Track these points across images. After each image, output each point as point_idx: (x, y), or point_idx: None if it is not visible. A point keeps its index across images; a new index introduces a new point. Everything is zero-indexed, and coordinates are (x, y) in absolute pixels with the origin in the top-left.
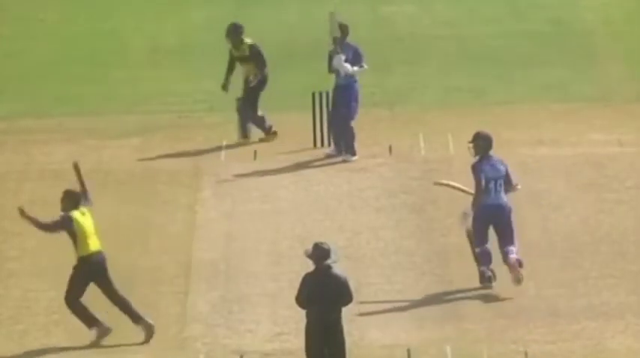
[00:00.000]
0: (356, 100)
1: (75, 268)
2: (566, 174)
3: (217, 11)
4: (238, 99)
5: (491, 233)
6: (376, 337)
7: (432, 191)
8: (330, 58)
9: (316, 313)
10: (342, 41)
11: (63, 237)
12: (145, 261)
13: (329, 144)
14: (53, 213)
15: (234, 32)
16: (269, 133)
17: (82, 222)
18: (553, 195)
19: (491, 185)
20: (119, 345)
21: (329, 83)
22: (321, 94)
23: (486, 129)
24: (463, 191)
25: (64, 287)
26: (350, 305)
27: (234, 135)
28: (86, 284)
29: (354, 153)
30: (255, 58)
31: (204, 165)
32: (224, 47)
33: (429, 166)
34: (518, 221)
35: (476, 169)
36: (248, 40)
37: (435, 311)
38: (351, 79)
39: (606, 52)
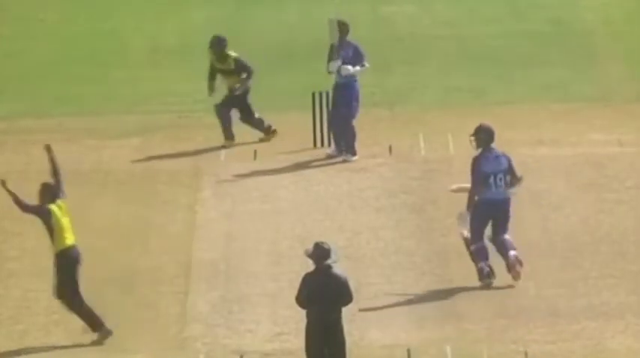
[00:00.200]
0: (357, 100)
1: (55, 263)
2: (566, 174)
3: (217, 11)
4: (216, 106)
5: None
6: (376, 337)
7: (432, 191)
8: (330, 57)
9: (316, 313)
10: (342, 39)
11: None
12: (145, 261)
13: (329, 144)
14: None
15: (218, 45)
16: (269, 133)
17: (60, 216)
18: (553, 195)
19: (491, 180)
20: (119, 345)
21: (329, 83)
22: (321, 94)
23: (487, 123)
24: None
25: None
26: (350, 305)
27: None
28: (75, 276)
29: (354, 153)
30: (241, 70)
31: (204, 165)
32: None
33: (429, 166)
34: (518, 221)
35: (475, 164)
36: (232, 54)
37: (435, 311)
38: (351, 78)
39: (606, 52)
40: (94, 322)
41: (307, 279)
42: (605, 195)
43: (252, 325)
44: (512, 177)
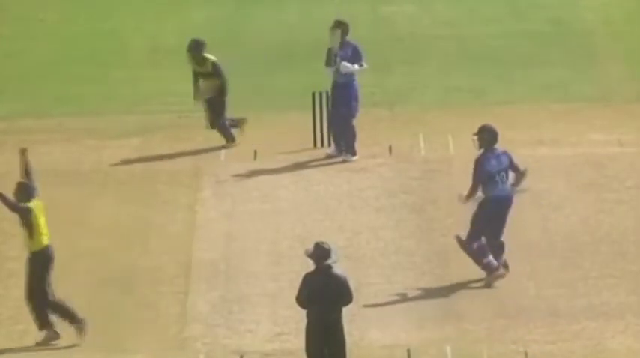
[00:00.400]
0: (356, 99)
1: (31, 263)
2: (566, 174)
3: (217, 11)
4: (211, 122)
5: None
6: (376, 337)
7: (432, 191)
8: (329, 52)
9: (316, 313)
10: (342, 39)
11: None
12: (145, 261)
13: (329, 144)
14: (53, 213)
15: (196, 48)
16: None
17: (38, 214)
18: (553, 195)
19: (497, 177)
20: (119, 345)
21: (329, 83)
22: (321, 94)
23: (491, 123)
24: None
25: (64, 287)
26: (350, 305)
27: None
28: (49, 276)
29: (354, 153)
30: (217, 75)
31: (204, 165)
32: (224, 47)
33: (429, 166)
34: (519, 221)
35: (478, 164)
36: (210, 57)
37: (435, 311)
38: (350, 77)
39: (606, 52)
40: (44, 321)
41: (307, 279)
42: (605, 195)
43: (252, 325)
44: (516, 173)
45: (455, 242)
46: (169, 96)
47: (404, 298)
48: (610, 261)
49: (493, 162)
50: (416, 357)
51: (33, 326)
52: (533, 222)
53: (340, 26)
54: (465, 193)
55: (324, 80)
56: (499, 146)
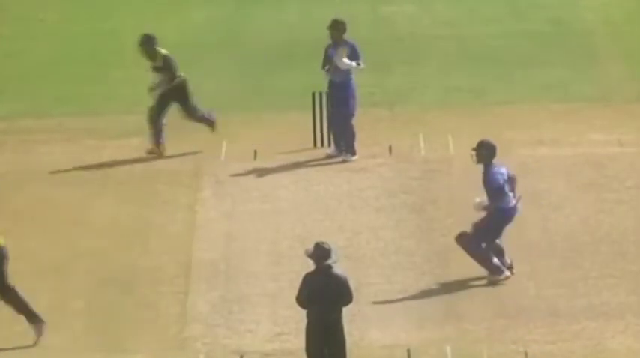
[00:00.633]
0: (354, 97)
1: None
2: (566, 174)
3: (217, 11)
4: (184, 115)
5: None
6: (376, 337)
7: (432, 191)
8: (326, 54)
9: (316, 313)
10: (338, 39)
11: (63, 237)
12: (145, 261)
13: (329, 144)
14: (53, 213)
15: (148, 43)
16: (157, 146)
17: None
18: (553, 195)
19: (506, 188)
20: (119, 345)
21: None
22: (321, 94)
23: (489, 137)
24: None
25: (64, 288)
26: (350, 305)
27: (234, 135)
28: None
29: (353, 153)
30: (166, 69)
31: (204, 165)
32: (224, 47)
33: (429, 166)
34: (519, 221)
35: (488, 177)
36: (162, 51)
37: (435, 311)
38: (347, 76)
39: (606, 52)
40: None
41: (307, 279)
42: (605, 195)
43: (252, 325)
44: (513, 181)
45: (453, 242)
46: None
47: (404, 298)
48: (610, 261)
49: (499, 174)
50: (416, 357)
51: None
52: (533, 222)
53: (337, 25)
54: (484, 204)
55: (324, 80)
56: (499, 148)
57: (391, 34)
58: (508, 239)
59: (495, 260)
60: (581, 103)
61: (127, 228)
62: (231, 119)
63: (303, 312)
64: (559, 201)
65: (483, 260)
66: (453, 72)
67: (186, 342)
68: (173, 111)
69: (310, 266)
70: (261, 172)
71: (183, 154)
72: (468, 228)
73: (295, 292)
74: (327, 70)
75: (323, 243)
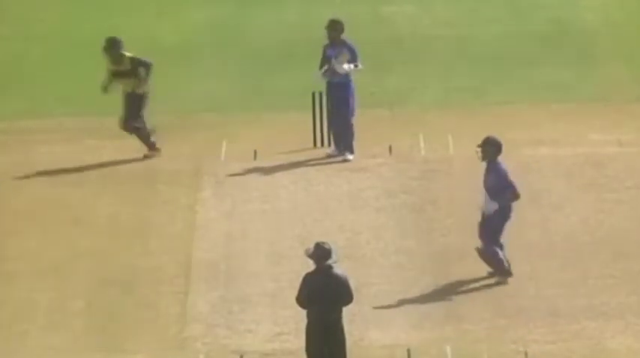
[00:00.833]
0: (353, 96)
1: None
2: (566, 174)
3: (217, 11)
4: (124, 123)
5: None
6: (376, 337)
7: (432, 191)
8: (324, 54)
9: (316, 313)
10: (336, 39)
11: (63, 237)
12: (145, 261)
13: (329, 144)
14: (53, 213)
15: (114, 47)
16: (153, 149)
17: None
18: (553, 195)
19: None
20: (119, 345)
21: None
22: (321, 94)
23: (495, 135)
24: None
25: (64, 288)
26: (350, 305)
27: (234, 135)
28: None
29: (352, 152)
30: (138, 67)
31: (204, 165)
32: (224, 47)
33: (429, 166)
34: (519, 221)
35: (505, 173)
36: (127, 54)
37: (435, 311)
38: (346, 76)
39: (606, 52)
40: None
41: (308, 279)
42: (605, 195)
43: (252, 325)
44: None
45: (455, 242)
46: (169, 96)
47: (404, 298)
48: (610, 261)
49: (508, 171)
50: (416, 357)
51: (33, 327)
52: (533, 222)
53: (334, 25)
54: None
55: (324, 80)
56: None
57: (391, 34)
58: (508, 239)
59: (504, 262)
60: (581, 103)
61: (127, 228)
62: (231, 119)
63: (303, 312)
64: (559, 201)
65: (498, 262)
66: (453, 72)
67: (186, 342)
68: (172, 111)
69: (310, 266)
70: (261, 172)
71: (183, 154)
72: (467, 228)
73: (295, 292)
74: (324, 72)
75: (323, 243)
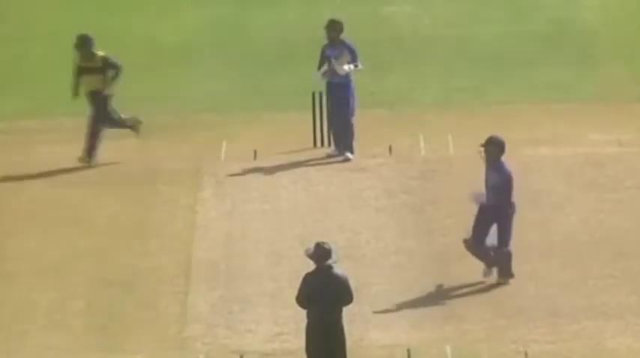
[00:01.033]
0: (353, 96)
1: None
2: (566, 174)
3: (217, 11)
4: (94, 123)
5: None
6: (376, 337)
7: (432, 191)
8: (323, 54)
9: (316, 313)
10: (335, 39)
11: (63, 237)
12: (145, 261)
13: (329, 144)
14: (53, 213)
15: (86, 44)
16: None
17: None
18: (553, 195)
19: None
20: (119, 345)
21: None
22: (321, 94)
23: (498, 135)
24: None
25: (64, 288)
26: (350, 305)
27: (234, 135)
28: None
29: (352, 151)
30: (108, 68)
31: (204, 165)
32: (224, 47)
33: (429, 166)
34: (519, 221)
35: (506, 172)
36: (100, 53)
37: (435, 311)
38: (346, 76)
39: (606, 52)
40: None
41: (308, 279)
42: (605, 195)
43: (252, 325)
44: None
45: (455, 242)
46: (169, 96)
47: (404, 298)
48: (610, 261)
49: (511, 170)
50: (416, 357)
51: (33, 327)
52: (533, 222)
53: (334, 25)
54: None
55: (324, 80)
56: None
57: (391, 34)
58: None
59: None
60: (581, 103)
61: (127, 228)
62: (231, 119)
63: (303, 312)
64: (559, 201)
65: (506, 263)
66: (453, 72)
67: (186, 342)
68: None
69: (310, 266)
70: (261, 172)
71: (183, 154)
72: (468, 228)
73: (295, 292)
74: (324, 73)
75: (323, 243)
